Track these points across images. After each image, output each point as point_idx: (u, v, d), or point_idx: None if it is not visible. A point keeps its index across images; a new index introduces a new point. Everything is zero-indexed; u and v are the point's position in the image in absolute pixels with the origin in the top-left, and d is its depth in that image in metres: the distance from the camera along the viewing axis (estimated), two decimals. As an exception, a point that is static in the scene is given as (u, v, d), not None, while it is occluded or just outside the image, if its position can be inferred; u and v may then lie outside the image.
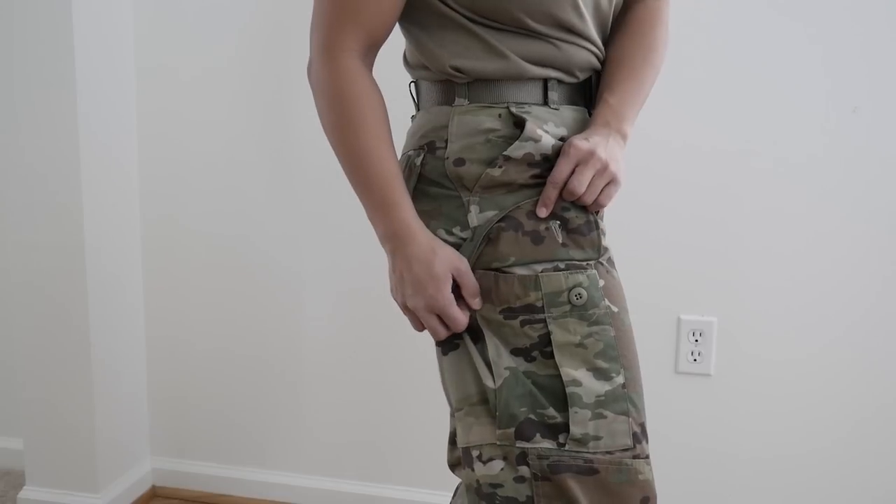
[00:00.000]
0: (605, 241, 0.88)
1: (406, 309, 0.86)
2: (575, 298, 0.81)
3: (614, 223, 1.49)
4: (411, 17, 0.89)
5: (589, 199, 0.83)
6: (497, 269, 0.83)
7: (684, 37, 1.48)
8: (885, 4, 1.41)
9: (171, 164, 1.77)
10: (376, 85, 0.86)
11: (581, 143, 0.82)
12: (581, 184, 0.82)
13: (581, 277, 0.82)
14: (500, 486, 0.81)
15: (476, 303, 0.83)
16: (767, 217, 1.51)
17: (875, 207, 1.47)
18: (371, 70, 0.87)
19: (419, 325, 0.87)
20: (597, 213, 0.86)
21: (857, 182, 1.47)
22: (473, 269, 0.84)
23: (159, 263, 1.82)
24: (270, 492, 1.83)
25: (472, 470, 0.84)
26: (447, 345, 0.87)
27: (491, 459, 0.82)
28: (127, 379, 1.80)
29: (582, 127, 0.89)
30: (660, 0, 0.97)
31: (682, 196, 1.54)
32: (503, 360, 0.82)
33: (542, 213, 0.83)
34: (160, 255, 1.81)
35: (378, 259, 1.65)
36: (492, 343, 0.83)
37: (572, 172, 0.82)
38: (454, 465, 0.93)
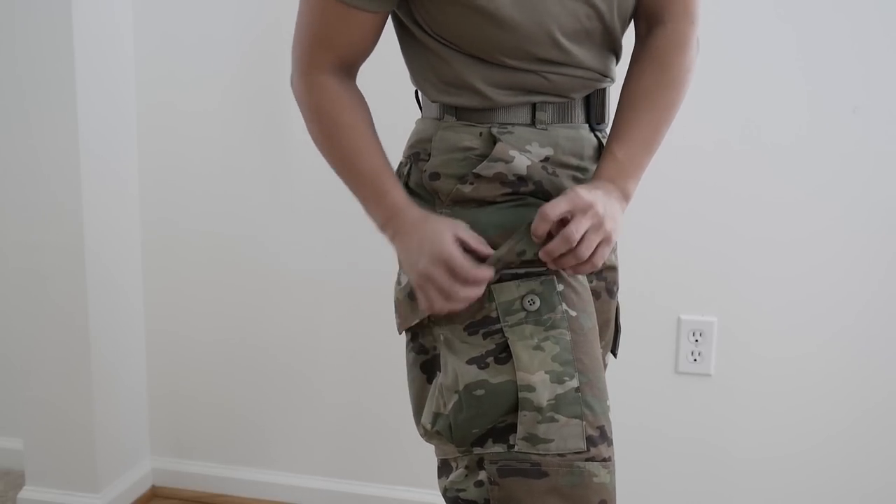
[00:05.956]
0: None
1: (422, 281, 0.82)
2: (528, 304, 0.81)
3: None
4: (400, 41, 0.91)
5: (584, 254, 0.79)
6: None
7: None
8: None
9: (171, 164, 1.77)
10: (355, 91, 0.89)
11: (583, 192, 0.80)
12: (577, 232, 0.77)
13: (534, 284, 0.81)
14: (463, 490, 0.84)
15: (488, 249, 0.81)
16: (768, 218, 1.51)
17: (877, 207, 1.47)
18: (353, 78, 0.91)
19: (438, 297, 0.81)
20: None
21: (856, 181, 1.47)
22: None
23: (159, 263, 1.82)
24: (270, 492, 1.82)
25: (447, 477, 0.87)
26: (432, 363, 0.88)
27: (458, 467, 0.85)
28: (127, 379, 1.80)
29: (574, 145, 0.88)
30: (682, 22, 0.88)
31: (682, 196, 1.54)
32: (454, 381, 0.82)
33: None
34: (160, 255, 1.81)
35: (379, 258, 1.65)
36: (449, 366, 0.83)
37: (566, 220, 0.79)
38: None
